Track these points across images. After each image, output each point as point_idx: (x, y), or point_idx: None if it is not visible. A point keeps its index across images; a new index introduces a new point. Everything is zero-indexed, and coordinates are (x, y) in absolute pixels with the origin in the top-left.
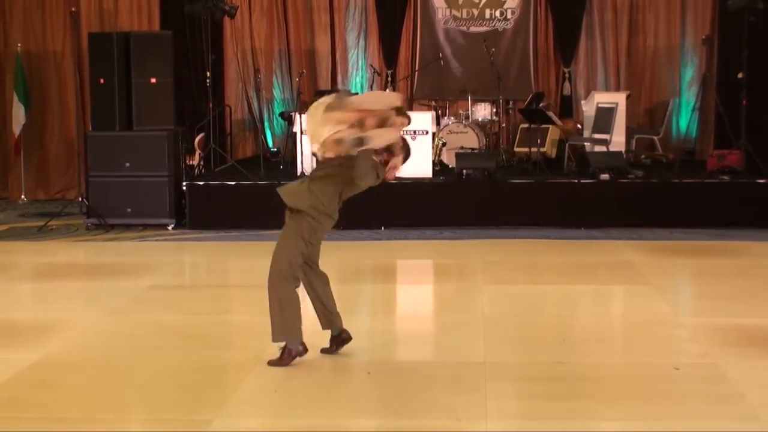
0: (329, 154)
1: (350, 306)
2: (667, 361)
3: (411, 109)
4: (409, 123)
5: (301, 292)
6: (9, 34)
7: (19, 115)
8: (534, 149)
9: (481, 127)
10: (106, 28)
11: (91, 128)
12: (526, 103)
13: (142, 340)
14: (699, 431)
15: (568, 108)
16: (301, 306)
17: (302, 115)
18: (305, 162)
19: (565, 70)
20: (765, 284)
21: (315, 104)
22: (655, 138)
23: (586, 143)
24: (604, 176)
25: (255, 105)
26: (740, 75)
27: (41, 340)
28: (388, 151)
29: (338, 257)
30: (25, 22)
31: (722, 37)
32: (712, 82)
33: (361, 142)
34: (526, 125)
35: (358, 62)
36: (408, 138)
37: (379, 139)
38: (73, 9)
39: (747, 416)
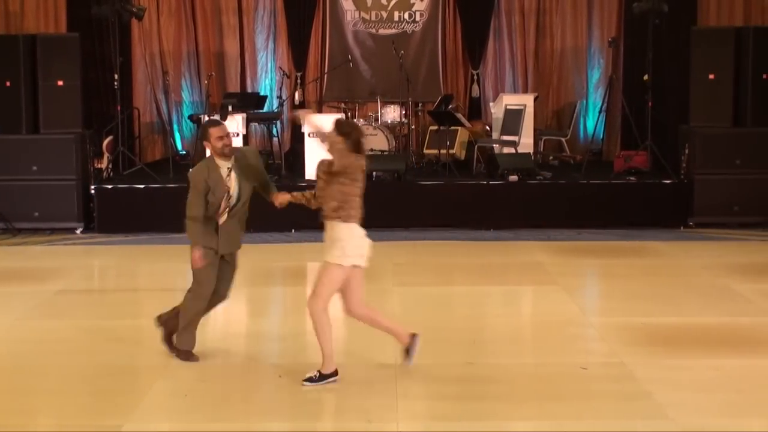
0: None
1: (260, 309)
2: (576, 360)
3: (321, 111)
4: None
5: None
6: None
7: None
8: (443, 151)
9: (391, 129)
10: (12, 31)
11: None
12: (435, 105)
13: (51, 345)
14: (607, 430)
15: (476, 110)
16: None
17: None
18: None
19: (474, 72)
20: (671, 284)
21: None
22: (563, 139)
23: (494, 145)
24: (513, 178)
25: (164, 108)
26: (646, 77)
27: None
28: None
29: (248, 260)
30: None
31: (628, 39)
32: (618, 84)
33: None
34: (435, 127)
35: (267, 65)
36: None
37: None
38: None
39: (654, 414)
